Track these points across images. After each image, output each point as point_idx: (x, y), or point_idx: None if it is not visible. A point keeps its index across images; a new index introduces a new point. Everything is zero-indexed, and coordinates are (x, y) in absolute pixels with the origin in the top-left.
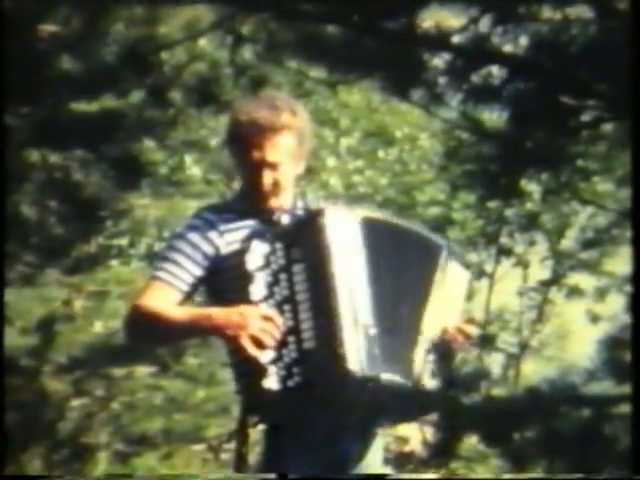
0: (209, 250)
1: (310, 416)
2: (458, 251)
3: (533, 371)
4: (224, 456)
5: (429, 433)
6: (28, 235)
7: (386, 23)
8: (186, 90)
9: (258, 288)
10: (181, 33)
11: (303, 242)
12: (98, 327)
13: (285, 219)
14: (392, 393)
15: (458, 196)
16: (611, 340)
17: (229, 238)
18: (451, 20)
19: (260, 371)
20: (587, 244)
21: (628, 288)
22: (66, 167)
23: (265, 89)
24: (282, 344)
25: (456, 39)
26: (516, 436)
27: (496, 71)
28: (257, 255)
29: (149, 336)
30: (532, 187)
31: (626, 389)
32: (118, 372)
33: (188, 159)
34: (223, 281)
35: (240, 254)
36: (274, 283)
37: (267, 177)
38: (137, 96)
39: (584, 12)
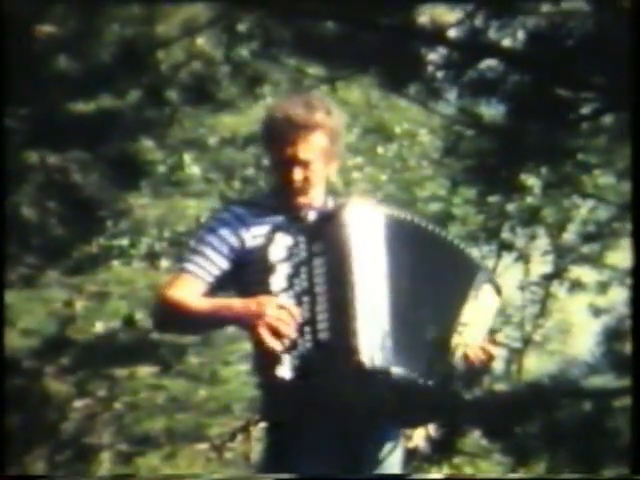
0: (235, 243)
1: (321, 413)
2: (493, 277)
3: (536, 365)
4: (228, 455)
5: (432, 429)
6: (28, 236)
7: (382, 19)
8: (183, 89)
9: (279, 279)
10: (178, 32)
11: (325, 236)
12: (99, 327)
13: (312, 216)
14: (403, 391)
15: (459, 191)
16: (610, 332)
17: (255, 232)
18: (447, 15)
19: (275, 360)
20: (588, 238)
21: (630, 281)
22: (65, 168)
23: (262, 87)
24: (298, 334)
25: (452, 33)
26: (518, 430)
27: (493, 65)
28: (280, 247)
29: (174, 325)
30: (533, 181)
31: (626, 382)
32: (120, 372)
33: (187, 158)
34: (248, 274)
35: (264, 245)
36: (294, 275)
37: (297, 174)
38: (134, 95)
39: (581, 5)
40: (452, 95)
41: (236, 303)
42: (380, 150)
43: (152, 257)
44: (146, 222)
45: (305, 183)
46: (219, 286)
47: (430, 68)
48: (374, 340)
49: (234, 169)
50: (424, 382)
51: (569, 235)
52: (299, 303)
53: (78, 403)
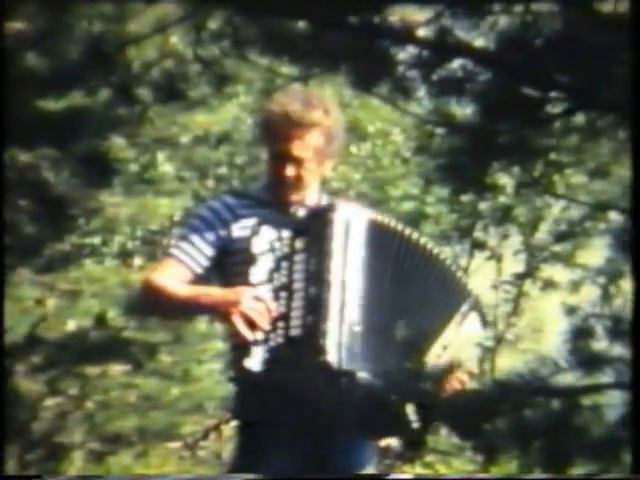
0: (222, 231)
1: (289, 410)
2: (482, 307)
3: (509, 364)
4: (200, 453)
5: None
6: None
7: (351, 17)
8: (154, 87)
9: (259, 272)
10: (149, 29)
11: (309, 234)
12: (71, 326)
13: (301, 213)
14: (366, 399)
15: (431, 190)
16: (576, 330)
17: (243, 223)
18: (416, 14)
19: (245, 351)
20: (560, 237)
21: (602, 280)
22: (36, 166)
23: (234, 85)
24: (271, 328)
25: (421, 32)
26: (488, 428)
27: (463, 64)
28: (264, 240)
29: (155, 310)
30: (505, 180)
31: (592, 379)
32: (92, 371)
33: (160, 156)
34: (231, 264)
35: (249, 237)
36: (275, 269)
37: (290, 170)
38: (105, 93)
39: (550, 6)
40: (423, 94)
41: (215, 291)
42: (353, 149)
43: (124, 255)
44: (118, 220)
45: (297, 180)
46: (205, 276)
47: (400, 67)
48: (343, 342)
49: (207, 168)
50: (387, 393)
51: (541, 234)
52: (276, 297)
53: (49, 402)
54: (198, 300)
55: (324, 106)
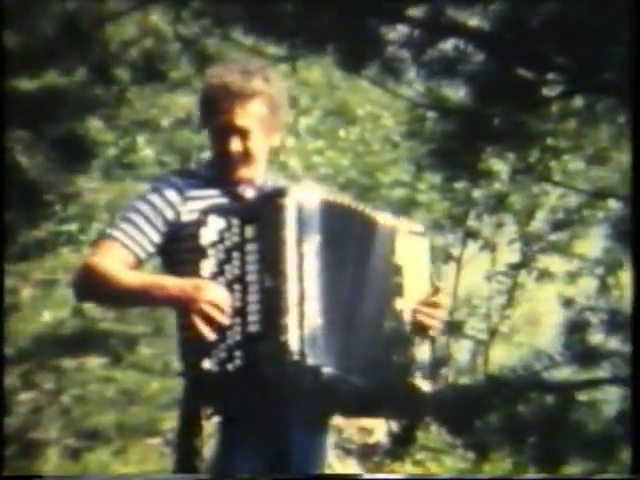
0: (170, 215)
1: (250, 404)
2: (402, 221)
3: (503, 358)
4: None
5: (394, 424)
6: None
7: None
8: (133, 67)
9: (209, 264)
10: (128, 5)
11: (260, 221)
12: (47, 317)
13: (249, 193)
14: (343, 388)
15: (423, 177)
16: (572, 324)
17: (191, 206)
18: None
19: (202, 350)
20: (557, 226)
21: (600, 271)
22: (9, 149)
23: (215, 65)
24: (227, 325)
25: (413, 12)
26: (480, 425)
27: (456, 45)
28: (212, 230)
29: (98, 297)
30: (500, 167)
31: (589, 374)
32: (68, 364)
33: (140, 140)
34: (179, 251)
35: (196, 226)
36: (226, 261)
37: (235, 143)
38: (81, 73)
39: None
40: (414, 76)
41: (170, 283)
42: (342, 133)
43: None
44: (96, 206)
45: (244, 155)
46: (147, 259)
47: (390, 48)
48: (305, 335)
49: (190, 151)
50: (359, 381)
51: (537, 223)
52: (230, 291)
53: (23, 396)
54: (150, 291)
55: (264, 74)
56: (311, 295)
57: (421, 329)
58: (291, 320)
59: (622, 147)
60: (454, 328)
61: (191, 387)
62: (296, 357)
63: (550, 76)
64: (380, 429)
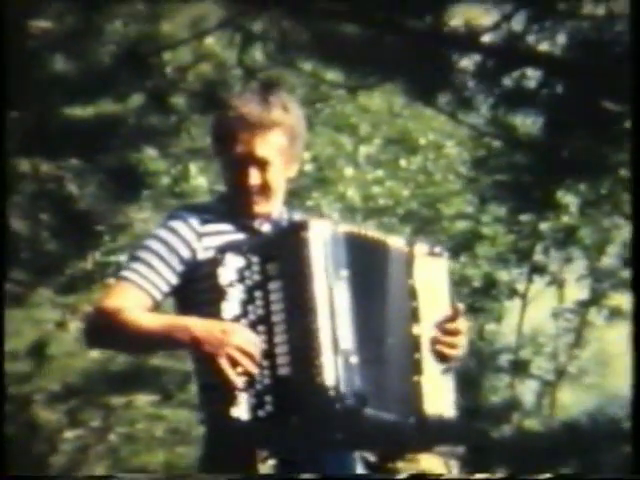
0: (186, 254)
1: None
2: (421, 240)
3: (571, 400)
4: None
5: (455, 467)
6: (18, 251)
7: (410, 21)
8: (190, 94)
9: (231, 305)
10: (185, 32)
11: (282, 257)
12: (95, 352)
13: (266, 228)
14: (379, 427)
15: (487, 209)
16: None
17: (207, 242)
18: (482, 17)
19: (230, 397)
20: (629, 261)
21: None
22: (59, 177)
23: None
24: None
25: (487, 38)
26: (551, 475)
27: (531, 73)
28: (231, 269)
29: (113, 342)
30: (569, 199)
31: None
32: (116, 401)
33: (193, 168)
34: (196, 291)
35: (213, 265)
36: (248, 301)
37: (254, 176)
38: (137, 100)
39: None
40: (483, 105)
41: (194, 325)
42: (403, 162)
43: None
44: (146, 237)
45: (263, 188)
46: (162, 300)
47: (462, 76)
48: (341, 376)
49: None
50: (395, 418)
51: (608, 258)
52: (254, 332)
53: (69, 434)
54: (174, 333)
55: (282, 103)
56: (344, 333)
57: (442, 359)
58: (326, 360)
59: None
60: (519, 368)
61: (225, 443)
62: (334, 399)
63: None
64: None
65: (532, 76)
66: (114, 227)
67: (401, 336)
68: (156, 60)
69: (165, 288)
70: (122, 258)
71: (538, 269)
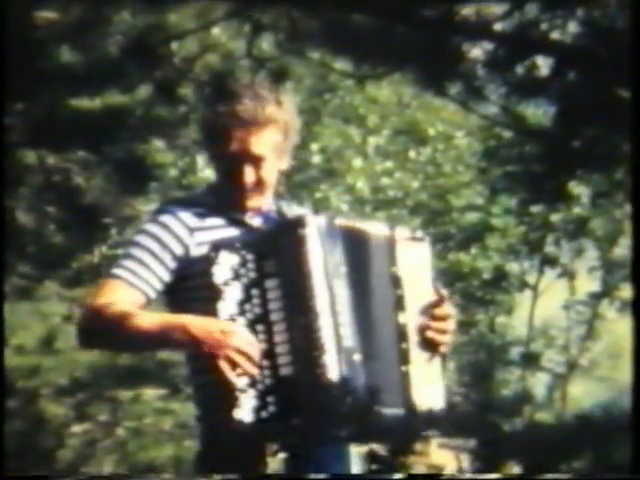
0: (178, 250)
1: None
2: (395, 228)
3: (582, 393)
4: None
5: (465, 461)
6: (24, 244)
7: (421, 10)
8: (198, 85)
9: (227, 304)
10: (193, 22)
11: (278, 254)
12: None
13: (257, 222)
14: (390, 421)
15: (498, 200)
16: None
17: (199, 238)
18: (493, 6)
19: (231, 398)
20: None
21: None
22: (66, 170)
23: (286, 82)
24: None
25: (499, 27)
26: (563, 467)
27: (543, 62)
28: (225, 267)
29: (108, 342)
30: (580, 190)
31: None
32: (124, 395)
33: (200, 160)
34: (189, 288)
35: (207, 262)
36: (245, 299)
37: (249, 173)
38: (144, 91)
39: None
40: (494, 94)
41: (192, 324)
42: (412, 154)
43: None
44: None
45: (258, 184)
46: (154, 298)
47: (472, 65)
48: (345, 374)
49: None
50: (399, 412)
51: (620, 249)
52: (253, 332)
53: (77, 428)
54: (171, 332)
55: (276, 98)
56: (346, 331)
57: (431, 346)
58: (330, 359)
59: None
60: (530, 360)
61: (214, 434)
62: (344, 395)
63: None
64: (450, 466)
65: (544, 65)
66: (121, 220)
67: (388, 326)
68: (163, 51)
69: (158, 285)
70: None
71: (549, 261)
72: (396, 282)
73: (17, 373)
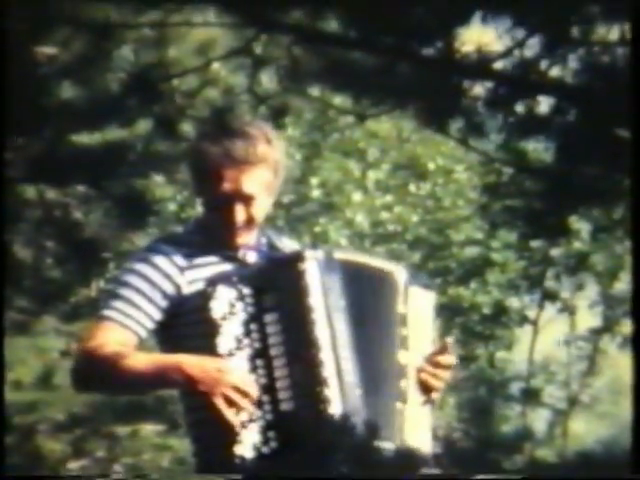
0: (169, 289)
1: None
2: (414, 274)
3: (584, 430)
4: None
5: None
6: (22, 278)
7: (421, 48)
8: (198, 120)
9: (225, 339)
10: (193, 58)
11: (277, 289)
12: None
13: (251, 257)
14: (390, 457)
15: (498, 235)
16: None
17: (190, 276)
18: (494, 44)
19: (231, 435)
20: None
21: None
22: (65, 204)
23: (285, 118)
24: (256, 405)
25: (499, 65)
26: None
27: (543, 100)
28: (223, 301)
29: (103, 385)
30: (581, 225)
31: None
32: (122, 430)
33: None
34: (183, 325)
35: (203, 298)
36: (244, 334)
37: (240, 212)
38: (144, 127)
39: None
40: (494, 131)
41: (188, 364)
42: (412, 188)
43: None
44: None
45: (248, 222)
46: (145, 337)
47: (473, 103)
48: (349, 409)
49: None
50: (397, 446)
51: (621, 284)
52: (253, 367)
53: (74, 464)
54: (165, 373)
55: (266, 137)
56: (347, 365)
57: (425, 389)
58: (332, 394)
59: None
60: (530, 396)
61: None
62: (344, 431)
63: None
64: None
65: (544, 102)
66: (119, 254)
67: (389, 363)
68: (164, 86)
69: (149, 325)
70: None
71: (549, 296)
72: (403, 322)
73: (14, 408)
